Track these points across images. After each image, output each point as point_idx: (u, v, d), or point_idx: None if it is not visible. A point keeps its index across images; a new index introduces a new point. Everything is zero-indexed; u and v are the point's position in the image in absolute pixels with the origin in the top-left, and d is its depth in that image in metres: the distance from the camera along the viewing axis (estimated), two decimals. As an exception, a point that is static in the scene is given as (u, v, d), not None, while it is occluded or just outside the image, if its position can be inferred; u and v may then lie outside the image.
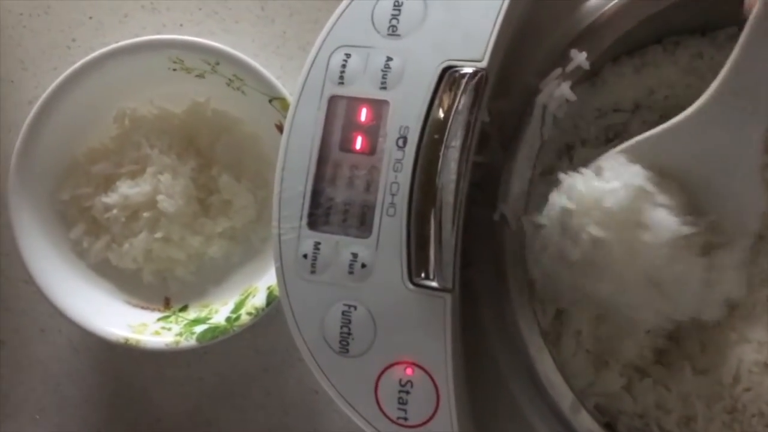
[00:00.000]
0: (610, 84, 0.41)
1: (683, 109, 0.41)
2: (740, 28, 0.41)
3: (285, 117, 0.45)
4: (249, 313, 0.46)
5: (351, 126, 0.33)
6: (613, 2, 0.36)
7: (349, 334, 0.32)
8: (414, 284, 0.32)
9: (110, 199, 0.49)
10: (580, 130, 0.42)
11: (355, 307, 0.32)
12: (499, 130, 0.36)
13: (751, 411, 0.38)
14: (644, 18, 0.36)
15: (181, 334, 0.46)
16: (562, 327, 0.40)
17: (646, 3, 0.36)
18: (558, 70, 0.35)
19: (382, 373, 0.32)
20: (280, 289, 0.34)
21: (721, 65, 0.40)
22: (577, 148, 0.42)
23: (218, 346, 0.46)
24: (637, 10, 0.36)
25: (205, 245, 0.49)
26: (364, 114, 0.33)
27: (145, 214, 0.48)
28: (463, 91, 0.31)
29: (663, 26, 0.40)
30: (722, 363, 0.39)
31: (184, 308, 0.50)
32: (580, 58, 0.35)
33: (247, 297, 0.47)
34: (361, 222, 0.33)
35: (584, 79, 0.37)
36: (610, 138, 0.43)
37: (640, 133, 0.42)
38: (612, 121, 0.42)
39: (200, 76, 0.48)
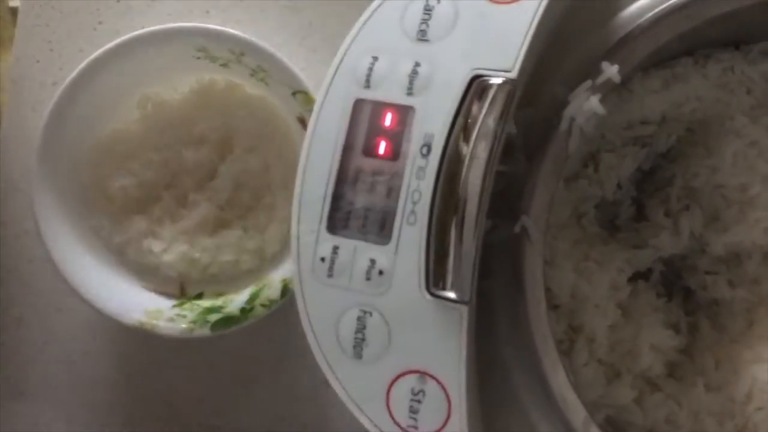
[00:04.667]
0: (639, 96, 0.40)
1: (710, 122, 0.41)
2: (774, 43, 0.41)
3: (307, 111, 0.46)
4: (263, 305, 0.46)
5: (375, 131, 0.33)
6: (648, 16, 0.35)
7: (363, 339, 0.32)
8: (431, 294, 0.31)
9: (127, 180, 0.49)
10: (606, 140, 0.42)
11: (371, 314, 0.32)
12: (525, 139, 0.35)
13: (763, 430, 0.38)
14: (680, 32, 0.35)
15: (195, 322, 0.46)
16: (576, 335, 0.40)
17: (683, 18, 0.35)
18: (588, 83, 0.34)
19: (395, 380, 0.32)
20: (296, 291, 0.34)
21: (752, 81, 0.40)
22: (603, 155, 0.42)
23: (232, 333, 0.46)
24: (673, 25, 0.35)
25: (232, 255, 0.49)
26: (388, 119, 0.33)
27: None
28: (491, 102, 0.31)
29: (696, 39, 0.39)
30: (736, 381, 0.39)
31: (198, 296, 0.50)
32: (611, 71, 0.34)
33: (262, 288, 0.47)
34: (381, 228, 0.32)
35: (612, 90, 0.36)
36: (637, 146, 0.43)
37: (666, 144, 0.42)
38: (639, 133, 0.42)
39: (224, 65, 0.48)
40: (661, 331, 0.40)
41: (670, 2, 0.35)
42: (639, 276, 0.42)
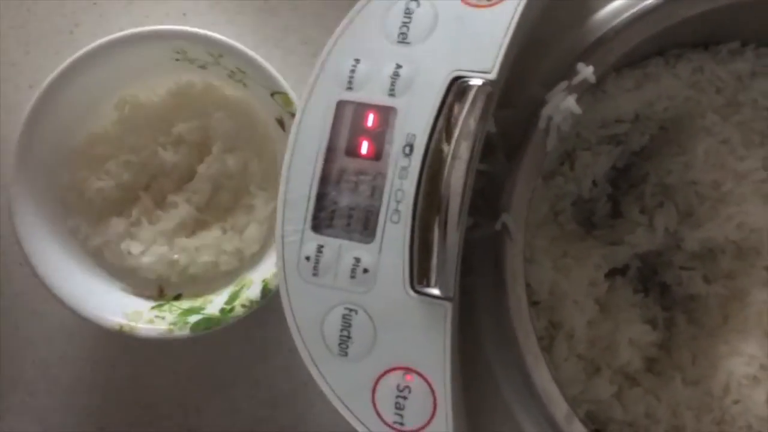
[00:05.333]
0: (613, 96, 0.41)
1: (682, 120, 0.42)
2: (743, 44, 0.42)
3: (286, 112, 0.46)
4: (243, 306, 0.46)
5: (358, 131, 0.33)
6: (621, 18, 0.36)
7: (348, 337, 0.33)
8: (415, 291, 0.32)
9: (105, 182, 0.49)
10: (581, 139, 0.43)
11: (356, 311, 0.33)
12: (504, 139, 0.36)
13: (740, 423, 0.39)
14: (652, 34, 0.36)
15: (175, 324, 0.46)
16: (555, 331, 0.40)
17: (655, 20, 0.36)
18: (564, 83, 0.35)
19: (380, 377, 0.32)
20: (281, 290, 0.34)
21: (721, 80, 0.41)
22: (579, 153, 0.43)
23: (210, 334, 0.46)
24: (645, 27, 0.36)
25: (211, 257, 0.49)
26: (371, 120, 0.33)
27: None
28: (472, 103, 0.31)
29: (667, 40, 0.40)
30: (713, 375, 0.40)
31: (177, 297, 0.50)
32: (587, 72, 0.35)
33: (241, 288, 0.47)
34: (365, 227, 0.33)
35: (587, 90, 0.37)
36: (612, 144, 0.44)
37: (640, 142, 0.43)
38: (613, 131, 0.43)
39: (203, 67, 0.48)
40: (638, 326, 0.41)
41: (643, 5, 0.36)
42: (616, 272, 0.43)
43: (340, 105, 0.34)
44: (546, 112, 0.35)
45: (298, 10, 0.53)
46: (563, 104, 0.35)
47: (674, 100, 0.42)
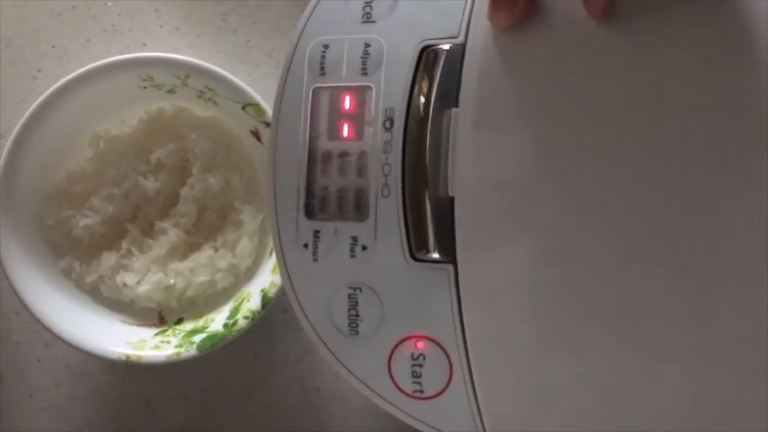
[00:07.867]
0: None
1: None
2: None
3: (260, 122, 0.47)
4: (246, 317, 0.46)
5: (336, 115, 0.34)
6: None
7: (357, 315, 0.33)
8: (416, 260, 0.32)
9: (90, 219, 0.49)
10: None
11: (361, 289, 0.33)
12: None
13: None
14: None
15: (181, 346, 0.46)
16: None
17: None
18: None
19: (394, 349, 0.33)
20: (284, 281, 0.34)
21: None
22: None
23: (216, 354, 0.46)
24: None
25: (207, 276, 0.50)
26: (348, 102, 0.34)
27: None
28: (444, 67, 0.32)
29: None
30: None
31: (179, 321, 0.50)
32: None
33: (242, 302, 0.48)
34: (357, 206, 0.33)
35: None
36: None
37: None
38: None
39: (171, 91, 0.49)
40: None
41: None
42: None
43: (316, 92, 0.34)
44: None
45: (256, 25, 0.53)
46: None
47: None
